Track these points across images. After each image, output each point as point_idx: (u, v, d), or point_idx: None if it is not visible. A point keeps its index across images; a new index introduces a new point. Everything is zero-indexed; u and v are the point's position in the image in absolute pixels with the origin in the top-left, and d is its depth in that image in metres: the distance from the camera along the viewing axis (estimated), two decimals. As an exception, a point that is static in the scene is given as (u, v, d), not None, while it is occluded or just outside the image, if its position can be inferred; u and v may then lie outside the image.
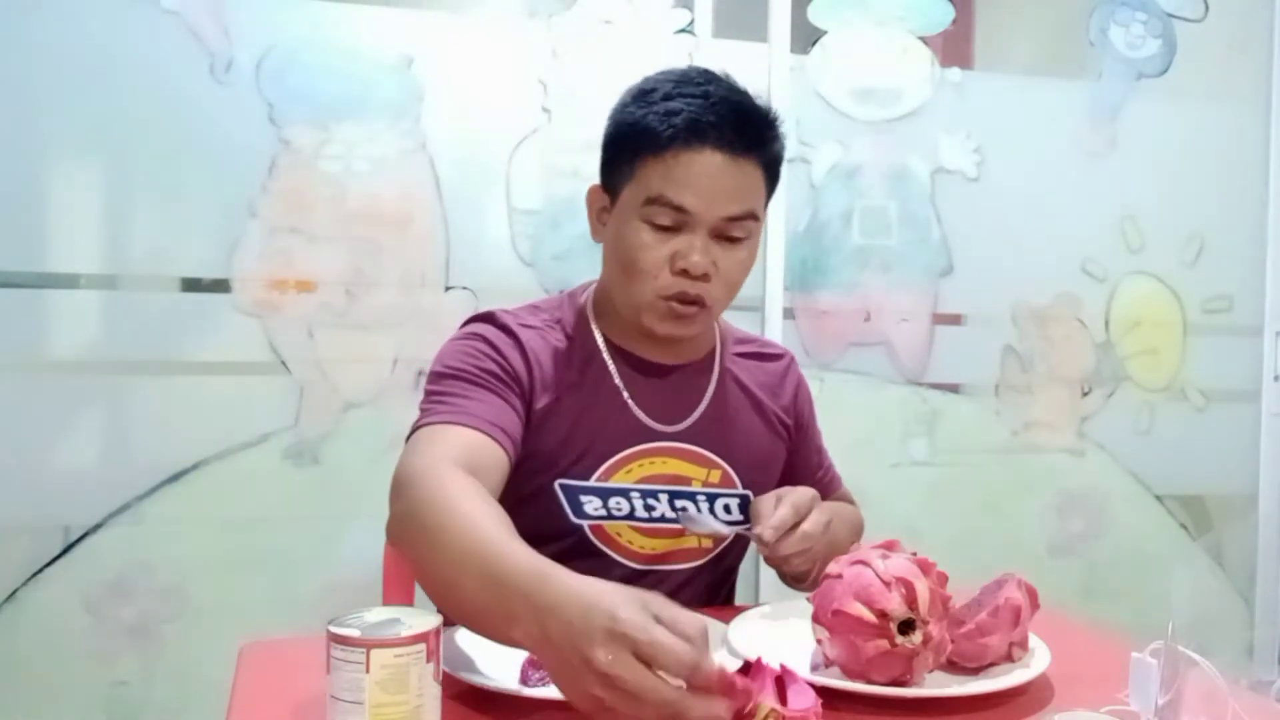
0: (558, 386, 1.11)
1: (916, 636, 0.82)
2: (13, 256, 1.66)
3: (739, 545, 1.23)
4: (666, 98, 1.04)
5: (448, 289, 1.83)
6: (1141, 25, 2.22)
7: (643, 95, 1.07)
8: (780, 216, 1.99)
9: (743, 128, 1.05)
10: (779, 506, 1.03)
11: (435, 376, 1.08)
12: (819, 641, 0.87)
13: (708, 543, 1.16)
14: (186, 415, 1.72)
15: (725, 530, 1.10)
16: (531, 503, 1.08)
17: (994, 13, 2.20)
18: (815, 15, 2.02)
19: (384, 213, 1.79)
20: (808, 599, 0.90)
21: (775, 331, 1.99)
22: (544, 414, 1.09)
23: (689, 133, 1.02)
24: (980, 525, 2.13)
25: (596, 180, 1.14)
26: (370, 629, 0.71)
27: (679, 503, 1.13)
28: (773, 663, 0.79)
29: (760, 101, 1.09)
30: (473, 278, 1.83)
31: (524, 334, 1.12)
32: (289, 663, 0.93)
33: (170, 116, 1.70)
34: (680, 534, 1.14)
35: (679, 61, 1.93)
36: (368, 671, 0.69)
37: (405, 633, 0.71)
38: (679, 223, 1.04)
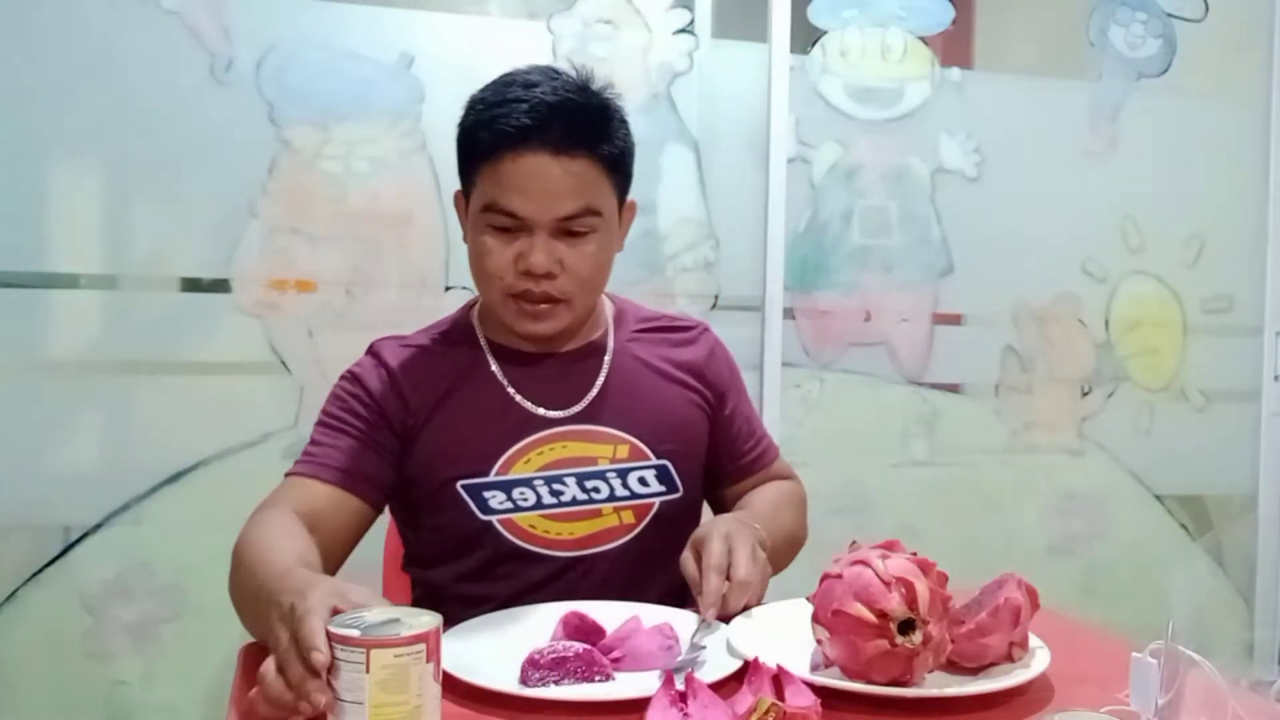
0: (435, 395, 1.14)
1: (916, 636, 0.82)
2: (13, 256, 1.66)
3: (679, 517, 1.19)
4: (494, 104, 1.06)
5: (448, 289, 1.83)
6: (1141, 25, 2.22)
7: (475, 103, 1.09)
8: (780, 216, 1.99)
9: (569, 127, 1.05)
10: (704, 580, 0.98)
11: (317, 423, 1.14)
12: (819, 641, 0.87)
13: (629, 517, 1.15)
14: (186, 415, 1.72)
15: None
16: (441, 511, 1.12)
17: (994, 13, 2.20)
18: (815, 15, 2.02)
19: (384, 213, 1.79)
20: (808, 599, 0.90)
21: (775, 331, 1.99)
22: (424, 423, 1.13)
23: (512, 139, 1.04)
24: (980, 525, 2.13)
25: None
26: (370, 629, 0.71)
27: (589, 483, 1.13)
28: (770, 663, 0.79)
29: (598, 96, 1.09)
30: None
31: (397, 356, 1.17)
32: (289, 663, 0.93)
33: (170, 116, 1.70)
34: (596, 514, 1.13)
35: (678, 62, 1.93)
36: (368, 672, 0.69)
37: (405, 633, 0.71)
38: (517, 226, 1.07)
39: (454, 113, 1.80)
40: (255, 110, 1.73)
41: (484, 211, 1.07)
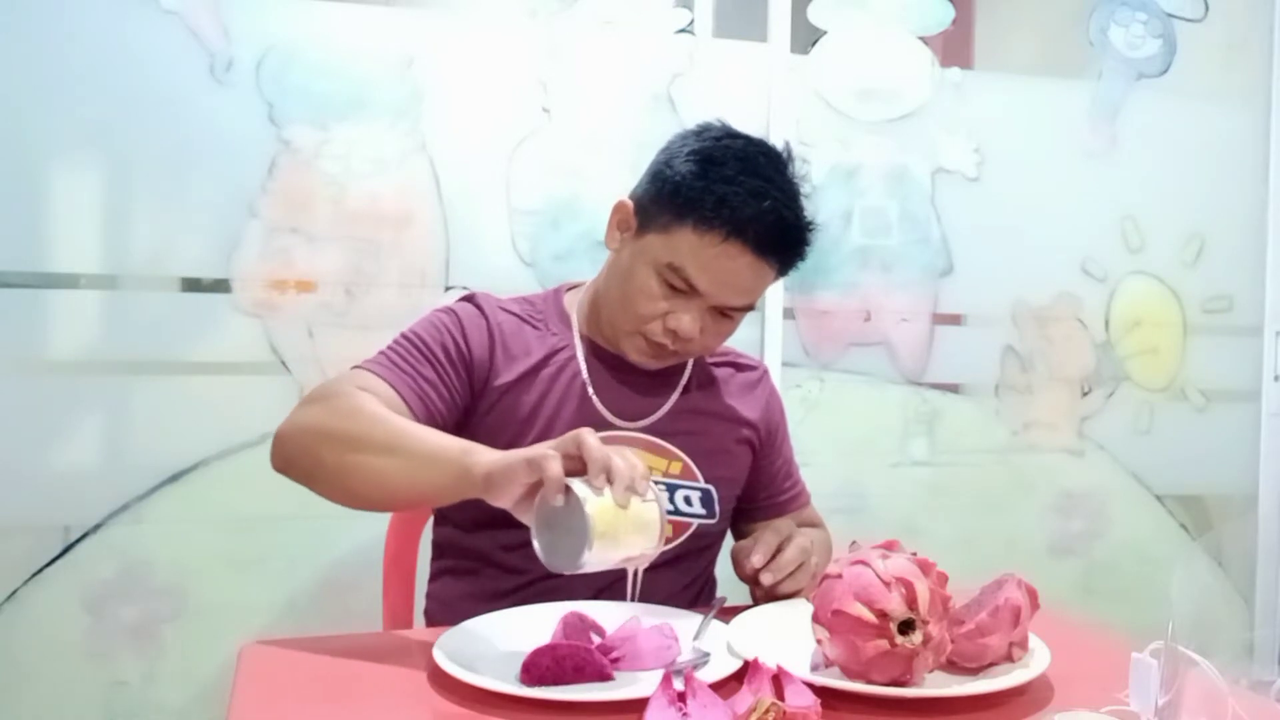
0: (521, 368, 1.16)
1: (916, 636, 0.82)
2: (13, 256, 1.66)
3: (710, 542, 1.25)
4: (726, 181, 1.07)
5: (448, 289, 1.83)
6: (1141, 25, 2.21)
7: (707, 164, 1.09)
8: (780, 216, 1.99)
9: (778, 241, 1.10)
10: (763, 534, 1.08)
11: (400, 337, 1.16)
12: (819, 641, 0.87)
13: (667, 530, 1.17)
14: (186, 415, 1.72)
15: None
16: None
17: (994, 13, 2.20)
18: (815, 15, 2.02)
19: (384, 213, 1.79)
20: (808, 599, 0.90)
21: (775, 331, 1.99)
22: (503, 392, 1.15)
23: (732, 230, 1.07)
24: (980, 525, 2.13)
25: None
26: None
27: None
28: (770, 663, 0.79)
29: (806, 216, 1.13)
30: (473, 278, 1.83)
31: (498, 316, 1.19)
32: (289, 663, 0.93)
33: (170, 116, 1.70)
34: None
35: (678, 62, 1.93)
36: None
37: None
38: (687, 291, 1.10)
39: (454, 113, 1.82)
40: (255, 110, 1.73)
41: (665, 265, 1.09)
